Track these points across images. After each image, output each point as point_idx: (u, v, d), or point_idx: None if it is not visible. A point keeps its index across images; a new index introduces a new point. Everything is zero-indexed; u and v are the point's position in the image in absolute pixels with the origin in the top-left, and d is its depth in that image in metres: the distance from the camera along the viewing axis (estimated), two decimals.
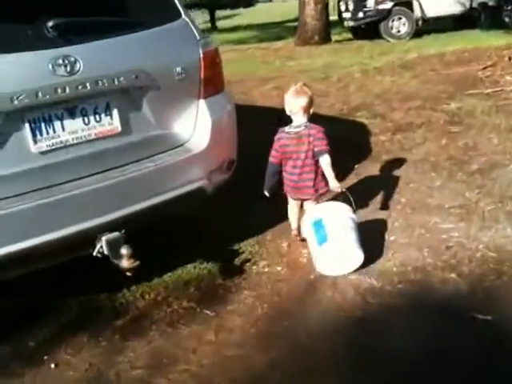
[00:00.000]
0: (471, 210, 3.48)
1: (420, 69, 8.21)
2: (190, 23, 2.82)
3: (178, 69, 2.66)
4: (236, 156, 3.09)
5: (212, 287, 2.88)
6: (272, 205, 3.74)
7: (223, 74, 3.02)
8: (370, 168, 4.39)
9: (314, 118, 5.64)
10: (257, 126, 5.09)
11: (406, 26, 13.08)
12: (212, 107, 2.84)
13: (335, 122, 5.89)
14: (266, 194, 3.22)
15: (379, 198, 3.78)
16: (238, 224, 3.53)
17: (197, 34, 2.82)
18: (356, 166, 4.43)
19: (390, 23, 13.02)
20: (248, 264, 3.07)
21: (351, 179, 4.16)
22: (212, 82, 2.85)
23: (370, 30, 13.36)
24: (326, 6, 13.74)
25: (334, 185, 3.02)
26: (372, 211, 3.57)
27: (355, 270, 2.88)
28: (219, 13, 54.99)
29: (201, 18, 44.94)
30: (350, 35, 14.65)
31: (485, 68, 7.48)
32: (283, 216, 3.59)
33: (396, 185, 4.00)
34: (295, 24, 15.86)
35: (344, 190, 3.12)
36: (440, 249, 3.05)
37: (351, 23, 13.76)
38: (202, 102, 2.82)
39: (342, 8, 14.06)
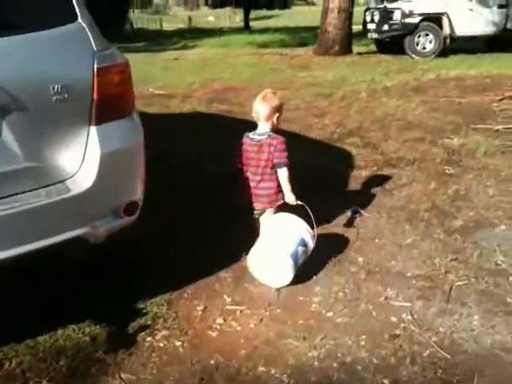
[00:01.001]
0: (437, 283, 2.86)
1: (433, 93, 7.55)
2: (88, 29, 2.26)
3: (57, 86, 2.11)
4: (141, 197, 2.52)
5: (86, 362, 2.31)
6: (207, 247, 3.22)
7: (131, 95, 2.46)
8: (334, 210, 3.75)
9: (300, 141, 5.13)
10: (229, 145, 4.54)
11: (432, 43, 12.33)
12: (106, 136, 2.28)
13: (320, 148, 5.33)
14: None
15: (331, 253, 3.17)
16: (157, 272, 2.98)
17: (93, 44, 2.25)
18: (320, 205, 3.73)
19: (416, 39, 12.29)
20: (143, 333, 2.50)
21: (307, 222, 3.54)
22: (110, 105, 2.29)
23: (395, 44, 12.65)
24: (350, 15, 13.05)
25: (290, 198, 2.99)
26: (316, 273, 2.97)
27: None
28: (260, 13, 54.76)
29: (238, 16, 44.67)
30: (374, 47, 13.97)
31: (502, 99, 6.78)
32: (216, 264, 3.06)
33: (358, 237, 3.40)
34: None
35: (300, 203, 2.98)
36: (382, 338, 2.43)
37: (375, 35, 13.05)
38: (93, 130, 2.26)
39: (368, 18, 13.37)
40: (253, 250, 2.88)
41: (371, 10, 13.40)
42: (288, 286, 2.84)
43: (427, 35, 12.34)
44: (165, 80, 9.66)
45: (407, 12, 12.10)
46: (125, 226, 2.48)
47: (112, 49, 2.37)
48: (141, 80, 9.74)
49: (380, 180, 4.37)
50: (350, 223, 3.59)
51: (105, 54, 2.28)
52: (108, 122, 2.30)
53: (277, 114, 2.99)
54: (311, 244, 2.92)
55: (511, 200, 3.85)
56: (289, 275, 2.79)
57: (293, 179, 3.02)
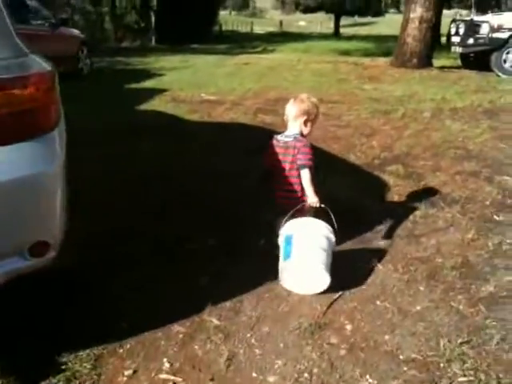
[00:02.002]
0: (433, 375, 2.22)
1: (506, 119, 6.67)
2: None
3: None
4: (57, 235, 2.08)
5: None
6: (173, 288, 2.77)
7: (50, 111, 2.01)
8: (339, 255, 3.09)
9: (333, 164, 4.64)
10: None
11: None
12: (3, 163, 1.86)
13: (352, 175, 4.72)
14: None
15: (314, 314, 2.60)
16: (101, 315, 2.55)
17: None
18: None
19: (504, 56, 11.19)
20: None
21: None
22: (12, 124, 1.87)
23: (482, 59, 11.60)
24: (434, 26, 12.09)
25: (312, 200, 2.96)
26: (287, 340, 2.42)
27: None
28: (356, 20, 53.82)
29: (332, 22, 43.97)
30: (460, 62, 12.93)
31: None
32: (174, 312, 2.59)
33: (357, 296, 2.80)
34: None
35: (323, 206, 2.94)
36: None
37: (459, 49, 12.04)
38: None
39: (452, 31, 12.35)
40: (280, 269, 2.79)
41: (457, 22, 12.39)
42: (246, 356, 2.32)
43: None
44: (222, 86, 9.31)
45: (496, 26, 11.04)
46: (34, 268, 2.05)
47: (26, 57, 1.94)
48: (197, 84, 9.51)
49: (410, 222, 3.71)
50: (352, 275, 2.99)
51: (6, 64, 1.85)
52: (8, 145, 1.87)
53: (304, 117, 2.98)
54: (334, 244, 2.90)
55: None
56: (324, 280, 2.74)
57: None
